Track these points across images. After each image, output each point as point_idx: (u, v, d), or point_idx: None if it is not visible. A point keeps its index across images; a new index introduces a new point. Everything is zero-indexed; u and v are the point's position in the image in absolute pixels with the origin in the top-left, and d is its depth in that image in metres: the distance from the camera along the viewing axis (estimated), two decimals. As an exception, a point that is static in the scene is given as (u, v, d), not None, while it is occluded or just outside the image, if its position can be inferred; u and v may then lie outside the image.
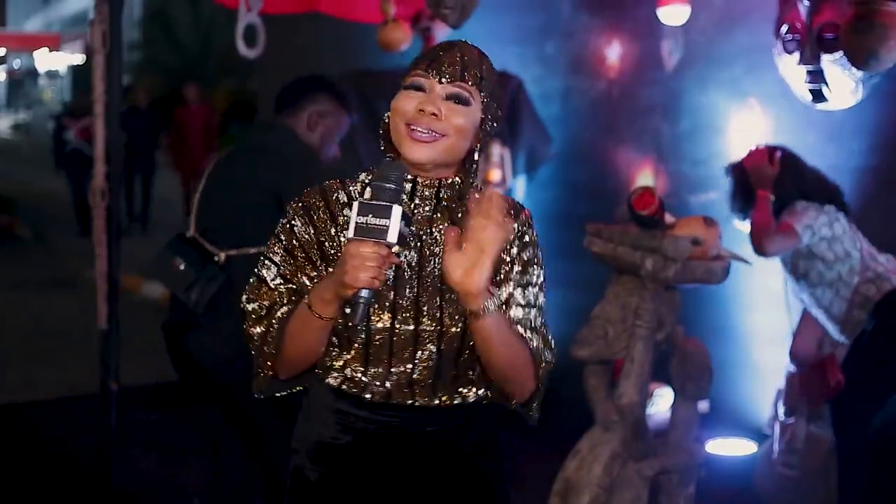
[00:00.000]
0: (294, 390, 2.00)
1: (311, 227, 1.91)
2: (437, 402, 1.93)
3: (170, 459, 4.42)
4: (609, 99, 5.60)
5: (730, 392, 4.73)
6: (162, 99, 12.62)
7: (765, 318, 4.69)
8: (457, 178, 1.92)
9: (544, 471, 3.71)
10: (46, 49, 34.96)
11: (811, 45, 3.39)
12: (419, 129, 1.83)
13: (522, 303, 1.92)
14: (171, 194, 11.43)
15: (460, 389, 1.95)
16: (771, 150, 3.69)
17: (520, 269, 1.93)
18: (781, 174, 3.68)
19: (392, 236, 1.69)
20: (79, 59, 30.99)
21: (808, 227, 3.58)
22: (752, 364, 4.86)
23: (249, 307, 1.92)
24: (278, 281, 1.91)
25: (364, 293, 1.72)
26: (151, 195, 11.78)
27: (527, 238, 1.95)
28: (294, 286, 1.90)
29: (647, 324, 3.44)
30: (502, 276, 1.92)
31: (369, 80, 5.72)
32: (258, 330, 1.91)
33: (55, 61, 35.27)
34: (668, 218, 3.50)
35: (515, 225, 1.93)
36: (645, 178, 5.36)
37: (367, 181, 1.93)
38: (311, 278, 1.90)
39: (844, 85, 3.40)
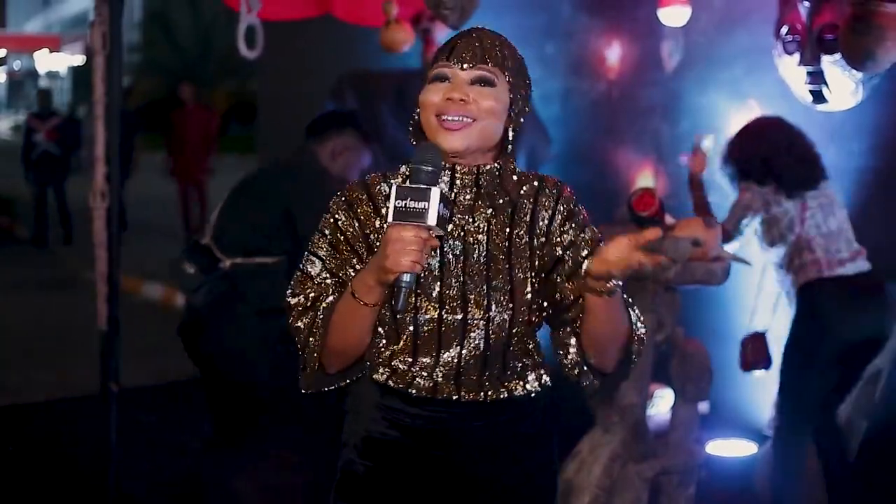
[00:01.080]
0: (342, 384, 1.96)
1: (355, 221, 1.91)
2: (483, 396, 1.92)
3: (170, 460, 4.41)
4: (609, 100, 5.60)
5: (730, 393, 4.73)
6: (160, 101, 12.55)
7: (765, 319, 4.69)
8: (495, 165, 1.92)
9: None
10: (46, 50, 34.98)
11: (811, 47, 3.39)
12: (450, 117, 1.83)
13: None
14: (168, 197, 11.42)
15: (507, 384, 1.95)
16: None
17: (590, 249, 1.94)
18: (728, 155, 3.73)
19: (431, 219, 1.69)
20: (79, 60, 31.01)
21: (740, 218, 3.64)
22: (753, 365, 4.85)
23: (293, 301, 1.91)
24: (324, 275, 1.90)
25: (406, 278, 1.71)
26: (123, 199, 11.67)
27: (576, 216, 1.96)
28: (340, 279, 1.90)
29: (646, 325, 3.44)
30: (568, 263, 1.92)
31: (369, 81, 5.72)
32: (303, 322, 1.89)
33: (55, 62, 35.28)
34: (668, 219, 3.50)
35: (560, 205, 1.94)
36: (645, 179, 5.36)
37: (407, 173, 1.93)
38: (357, 270, 1.89)
39: (844, 86, 3.40)
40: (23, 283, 8.81)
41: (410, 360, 1.91)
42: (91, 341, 4.00)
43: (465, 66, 1.86)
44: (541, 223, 1.94)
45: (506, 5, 5.50)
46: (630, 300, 1.95)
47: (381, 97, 5.44)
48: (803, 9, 3.43)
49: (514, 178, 1.95)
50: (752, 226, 3.68)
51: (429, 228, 1.70)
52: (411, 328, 1.88)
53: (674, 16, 4.58)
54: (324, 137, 3.58)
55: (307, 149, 3.58)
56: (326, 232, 1.92)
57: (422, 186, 1.70)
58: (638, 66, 5.43)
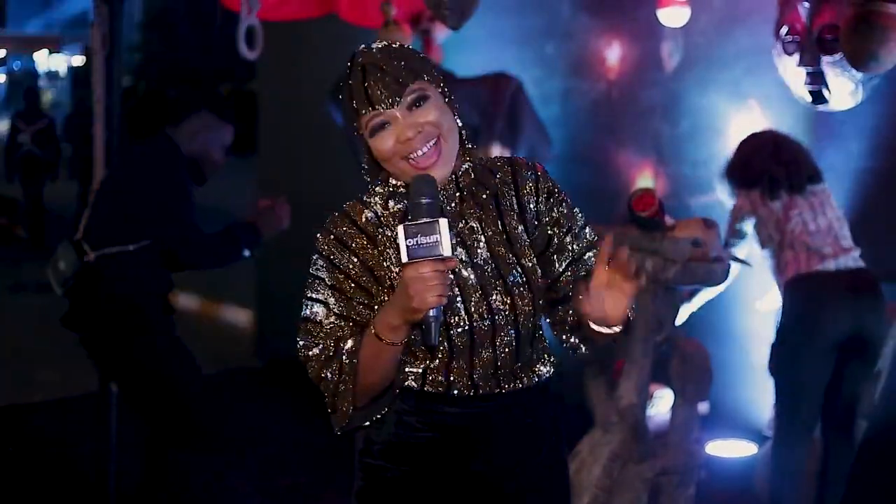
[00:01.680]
0: (378, 416, 1.93)
1: (353, 256, 1.88)
2: (520, 384, 1.94)
3: (169, 460, 4.40)
4: (609, 100, 5.60)
5: (730, 393, 4.73)
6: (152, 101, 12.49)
7: (765, 319, 4.69)
8: (467, 165, 1.93)
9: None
10: (46, 51, 34.94)
11: (811, 47, 3.39)
12: (418, 153, 1.82)
13: (588, 244, 2.00)
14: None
15: (536, 367, 1.97)
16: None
17: (568, 225, 1.98)
18: (725, 170, 3.86)
19: (446, 249, 1.69)
20: (79, 60, 30.98)
21: (732, 222, 3.78)
22: (753, 365, 4.85)
23: (311, 353, 1.88)
24: (332, 319, 1.87)
25: (433, 312, 1.73)
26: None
27: (555, 192, 1.99)
28: (352, 320, 1.87)
29: (647, 325, 3.44)
30: (555, 239, 1.97)
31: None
32: (329, 373, 1.86)
33: (55, 63, 35.25)
34: (668, 219, 3.50)
35: (540, 184, 1.98)
36: (645, 179, 5.36)
37: (385, 193, 1.92)
38: (366, 306, 1.87)
39: (844, 86, 3.40)
40: (23, 282, 8.81)
41: (445, 369, 1.90)
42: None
43: (391, 101, 1.81)
44: (530, 207, 1.96)
45: (505, 6, 5.50)
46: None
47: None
48: (803, 9, 3.43)
49: (487, 168, 1.96)
50: (748, 229, 3.76)
51: (444, 259, 1.70)
52: (446, 344, 1.88)
53: (673, 16, 4.59)
54: (180, 121, 3.60)
55: (162, 134, 3.60)
56: (323, 276, 1.89)
57: (428, 220, 1.70)
58: (638, 66, 5.43)
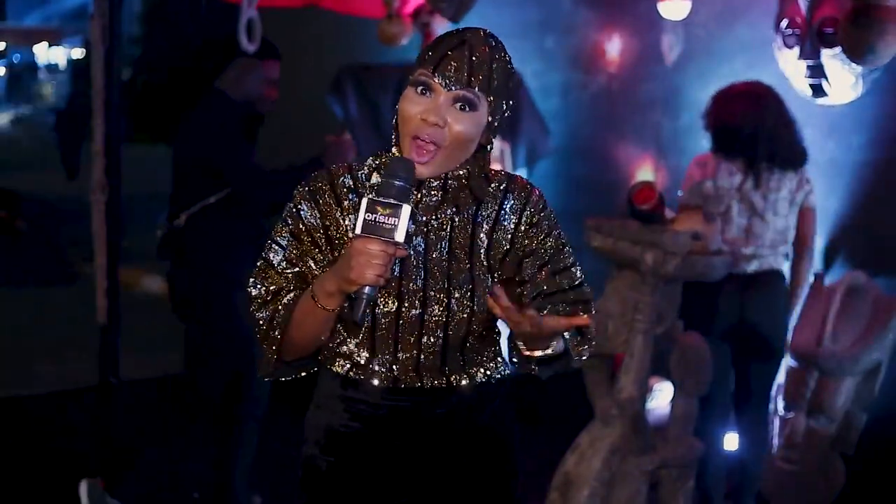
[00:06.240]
0: (299, 375, 2.01)
1: (316, 211, 1.91)
2: (445, 382, 1.93)
3: (170, 454, 4.42)
4: (609, 93, 5.60)
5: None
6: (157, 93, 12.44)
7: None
8: (463, 171, 1.90)
9: (543, 465, 3.72)
10: (46, 43, 34.92)
11: (811, 40, 3.39)
12: (421, 137, 1.82)
13: (568, 287, 1.95)
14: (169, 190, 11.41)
15: (469, 370, 1.95)
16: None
17: (545, 259, 1.94)
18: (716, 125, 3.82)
19: (400, 235, 1.69)
20: (78, 53, 30.95)
21: (699, 186, 3.76)
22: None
23: (254, 292, 1.93)
24: (284, 265, 1.91)
25: (367, 290, 1.73)
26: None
27: (542, 224, 1.95)
28: (300, 270, 1.91)
29: (646, 318, 3.44)
30: (527, 269, 1.94)
31: (370, 75, 5.71)
32: (263, 314, 1.91)
33: (55, 55, 35.22)
34: (668, 213, 3.50)
35: (528, 210, 1.95)
36: (645, 172, 5.36)
37: (374, 165, 1.93)
38: (317, 262, 1.91)
39: (844, 80, 3.40)
40: (23, 276, 8.80)
41: (368, 354, 1.91)
42: (91, 335, 4.01)
43: (449, 85, 1.82)
44: (506, 224, 1.94)
45: (506, -1, 5.50)
46: (586, 298, 1.99)
47: (381, 91, 5.44)
48: (803, 2, 3.43)
49: (483, 176, 1.93)
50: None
51: (396, 245, 1.70)
52: (369, 321, 1.88)
53: (674, 9, 4.59)
54: (222, 71, 3.75)
55: (212, 89, 3.75)
56: (289, 221, 1.93)
57: (393, 202, 1.70)
58: (638, 59, 5.42)
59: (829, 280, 4.02)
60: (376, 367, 1.91)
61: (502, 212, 1.94)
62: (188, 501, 4.03)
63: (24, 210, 11.69)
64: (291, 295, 1.89)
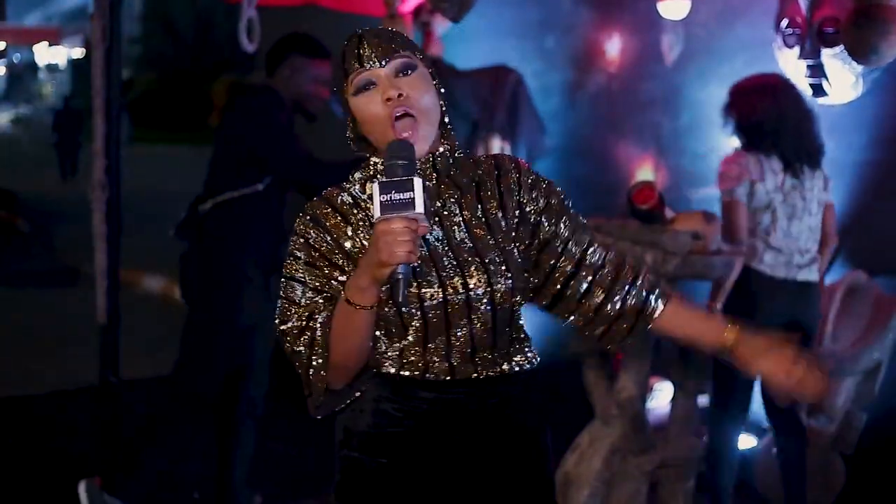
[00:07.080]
0: (352, 399, 1.95)
1: (326, 235, 1.91)
2: (497, 371, 1.93)
3: (170, 453, 4.41)
4: (609, 93, 5.60)
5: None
6: (156, 93, 12.54)
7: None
8: (445, 149, 1.94)
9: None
10: (46, 43, 34.93)
11: (811, 40, 3.39)
12: (396, 115, 1.85)
13: (588, 238, 2.02)
14: (169, 189, 11.40)
15: (515, 357, 1.97)
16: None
17: (565, 218, 2.00)
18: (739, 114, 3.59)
19: (419, 206, 1.68)
20: (78, 53, 30.97)
21: (735, 181, 3.51)
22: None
23: (285, 327, 1.89)
24: (309, 295, 1.89)
25: (401, 269, 1.70)
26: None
27: (540, 184, 2.01)
28: (327, 294, 1.89)
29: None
30: (545, 226, 1.99)
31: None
32: (302, 345, 1.88)
33: (55, 55, 35.24)
34: (668, 212, 3.50)
35: (523, 177, 2.00)
36: (645, 172, 5.36)
37: (363, 176, 1.95)
38: (340, 282, 1.88)
39: (844, 79, 3.40)
40: (23, 275, 8.81)
41: (421, 349, 1.90)
42: (91, 334, 4.00)
43: (382, 62, 1.87)
44: (514, 197, 1.98)
45: (506, -2, 5.50)
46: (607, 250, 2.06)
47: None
48: (803, 2, 3.43)
49: (471, 161, 1.99)
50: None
51: (417, 217, 1.70)
52: (419, 318, 1.88)
53: (674, 9, 4.59)
54: (272, 72, 3.77)
55: (261, 86, 3.81)
56: (299, 255, 1.91)
57: (404, 178, 1.70)
58: (638, 59, 5.42)
59: (829, 280, 4.02)
60: (431, 361, 1.90)
61: (500, 184, 1.99)
62: (188, 501, 4.03)
63: (23, 210, 11.71)
64: (324, 315, 1.87)
